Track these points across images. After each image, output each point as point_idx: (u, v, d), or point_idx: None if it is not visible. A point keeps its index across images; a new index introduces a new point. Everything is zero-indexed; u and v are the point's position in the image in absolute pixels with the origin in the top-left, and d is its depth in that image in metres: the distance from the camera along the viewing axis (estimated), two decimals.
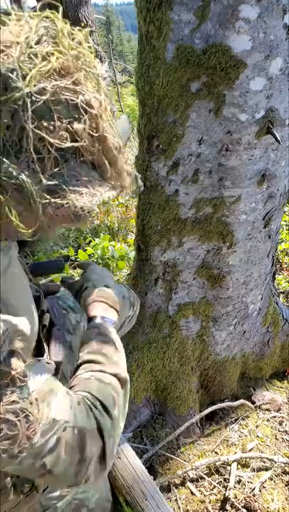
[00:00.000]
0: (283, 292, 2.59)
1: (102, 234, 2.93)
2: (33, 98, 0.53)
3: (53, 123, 0.54)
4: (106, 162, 0.62)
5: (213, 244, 1.53)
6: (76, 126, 0.56)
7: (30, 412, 0.60)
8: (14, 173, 0.53)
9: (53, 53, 0.55)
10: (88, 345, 0.83)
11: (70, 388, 0.75)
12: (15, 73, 0.52)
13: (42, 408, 0.62)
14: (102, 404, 0.73)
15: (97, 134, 0.59)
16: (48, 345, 0.90)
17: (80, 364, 0.80)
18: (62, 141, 0.55)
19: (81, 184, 0.58)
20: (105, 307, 0.92)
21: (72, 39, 0.59)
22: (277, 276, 2.63)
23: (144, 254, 1.63)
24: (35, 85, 0.53)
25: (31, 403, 0.61)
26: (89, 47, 0.61)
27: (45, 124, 0.54)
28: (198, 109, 1.26)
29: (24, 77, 0.52)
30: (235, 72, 1.16)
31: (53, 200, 0.55)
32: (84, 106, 0.57)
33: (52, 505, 0.95)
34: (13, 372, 0.58)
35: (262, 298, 1.82)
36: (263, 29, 1.11)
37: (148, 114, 1.37)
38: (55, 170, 0.56)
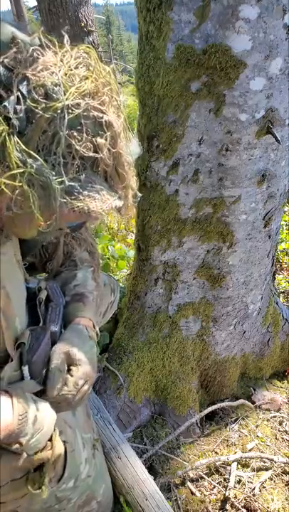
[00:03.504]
0: (283, 292, 2.59)
1: (101, 234, 2.92)
2: (69, 110, 0.61)
3: (81, 134, 0.63)
4: (117, 175, 0.72)
5: (213, 244, 1.53)
6: (99, 140, 0.65)
7: None
8: (45, 172, 0.60)
9: (88, 77, 0.65)
10: None
11: None
12: (58, 87, 0.61)
13: None
14: None
15: (114, 150, 0.68)
16: (45, 317, 0.97)
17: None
18: (87, 150, 0.64)
19: (94, 190, 0.67)
20: None
21: (103, 69, 0.69)
22: (277, 276, 2.63)
23: (144, 254, 1.63)
24: (72, 100, 0.61)
25: None
26: (114, 78, 0.72)
27: (75, 133, 0.62)
28: (198, 109, 1.26)
29: (65, 93, 0.61)
30: (235, 72, 1.16)
31: (70, 200, 0.63)
32: (107, 124, 0.66)
33: (66, 497, 0.98)
34: None
35: (262, 298, 1.82)
36: (263, 29, 1.11)
37: (148, 114, 1.37)
38: (76, 175, 0.64)
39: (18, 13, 9.37)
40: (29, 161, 0.59)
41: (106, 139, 0.66)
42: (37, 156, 0.60)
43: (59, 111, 0.60)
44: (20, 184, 0.59)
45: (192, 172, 1.38)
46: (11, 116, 0.59)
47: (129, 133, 0.77)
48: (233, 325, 1.75)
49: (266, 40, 1.13)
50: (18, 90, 0.60)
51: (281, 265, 2.82)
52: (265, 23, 1.11)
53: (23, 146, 0.59)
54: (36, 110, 0.59)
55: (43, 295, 0.97)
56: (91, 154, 0.64)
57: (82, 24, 4.38)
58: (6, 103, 0.59)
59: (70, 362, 0.89)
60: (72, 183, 0.63)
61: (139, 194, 0.86)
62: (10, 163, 0.59)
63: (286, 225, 3.02)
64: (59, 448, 0.84)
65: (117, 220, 3.30)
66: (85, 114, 0.63)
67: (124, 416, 1.64)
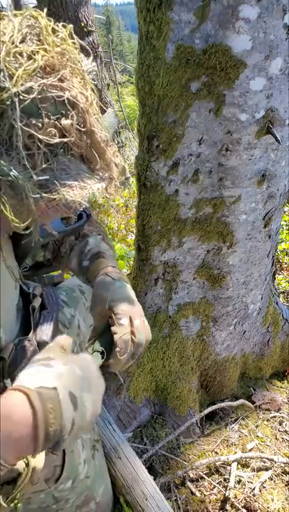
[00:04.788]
0: (283, 292, 2.59)
1: None
2: (21, 97, 0.54)
3: (41, 120, 0.55)
4: (95, 155, 0.63)
5: (213, 244, 1.53)
6: (64, 122, 0.57)
7: None
8: (6, 170, 0.54)
9: (38, 51, 0.56)
10: None
11: None
12: (1, 73, 0.53)
13: None
14: None
15: (84, 129, 0.61)
16: (36, 326, 0.91)
17: None
18: (51, 137, 0.56)
19: (71, 177, 0.59)
20: None
21: (56, 36, 0.59)
22: (277, 276, 2.63)
23: (144, 254, 1.63)
24: (22, 84, 0.54)
25: None
26: (73, 43, 0.62)
27: (33, 121, 0.55)
28: (198, 109, 1.26)
29: (11, 77, 0.53)
30: (235, 72, 1.16)
31: (44, 194, 0.57)
32: (71, 102, 0.58)
33: (64, 497, 0.97)
34: None
35: (262, 298, 1.82)
36: (263, 29, 1.11)
37: (148, 114, 1.37)
38: (46, 165, 0.57)
39: None
40: None
41: (72, 118, 0.58)
42: None
43: (8, 102, 0.53)
44: None
45: (192, 172, 1.38)
46: None
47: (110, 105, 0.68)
48: (233, 325, 1.75)
49: (266, 40, 1.13)
50: None
51: (281, 265, 2.82)
52: (265, 23, 1.11)
53: None
54: None
55: (36, 303, 0.93)
56: (57, 140, 0.57)
57: (82, 24, 4.39)
58: None
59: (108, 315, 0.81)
60: (44, 176, 0.56)
61: (128, 175, 0.78)
62: None
63: (286, 225, 3.02)
64: (38, 461, 0.64)
65: (117, 221, 3.30)
66: (41, 96, 0.55)
67: (124, 416, 1.64)
